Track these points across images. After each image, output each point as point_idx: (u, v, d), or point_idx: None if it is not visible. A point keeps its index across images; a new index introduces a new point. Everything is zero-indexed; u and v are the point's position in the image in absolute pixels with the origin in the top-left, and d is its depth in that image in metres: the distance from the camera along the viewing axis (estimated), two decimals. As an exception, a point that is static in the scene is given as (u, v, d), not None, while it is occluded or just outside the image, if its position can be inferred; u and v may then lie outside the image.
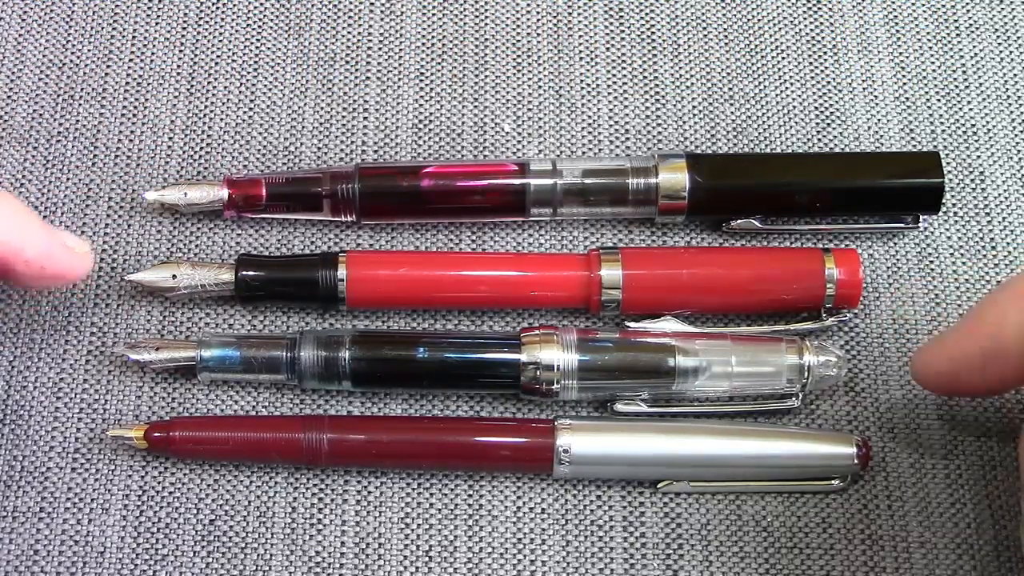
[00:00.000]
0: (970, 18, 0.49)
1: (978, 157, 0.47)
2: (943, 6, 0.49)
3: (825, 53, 0.49)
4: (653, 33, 0.49)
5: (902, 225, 0.45)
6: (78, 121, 0.47)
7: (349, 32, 0.49)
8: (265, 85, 0.48)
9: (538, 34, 0.49)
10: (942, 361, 0.38)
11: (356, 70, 0.48)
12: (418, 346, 0.42)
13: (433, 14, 0.49)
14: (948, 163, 0.46)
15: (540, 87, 0.48)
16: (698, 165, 0.44)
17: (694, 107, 0.48)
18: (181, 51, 0.48)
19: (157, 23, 0.48)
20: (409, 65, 0.48)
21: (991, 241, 0.46)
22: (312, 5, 0.49)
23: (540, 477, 0.42)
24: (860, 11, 0.49)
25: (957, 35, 0.49)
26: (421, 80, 0.48)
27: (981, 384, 0.37)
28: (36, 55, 0.48)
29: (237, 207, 0.44)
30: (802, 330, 0.43)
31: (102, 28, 0.48)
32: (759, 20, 0.49)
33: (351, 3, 0.49)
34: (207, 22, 0.48)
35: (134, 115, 0.47)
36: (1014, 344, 0.35)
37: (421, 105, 0.47)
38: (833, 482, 0.42)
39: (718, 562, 0.41)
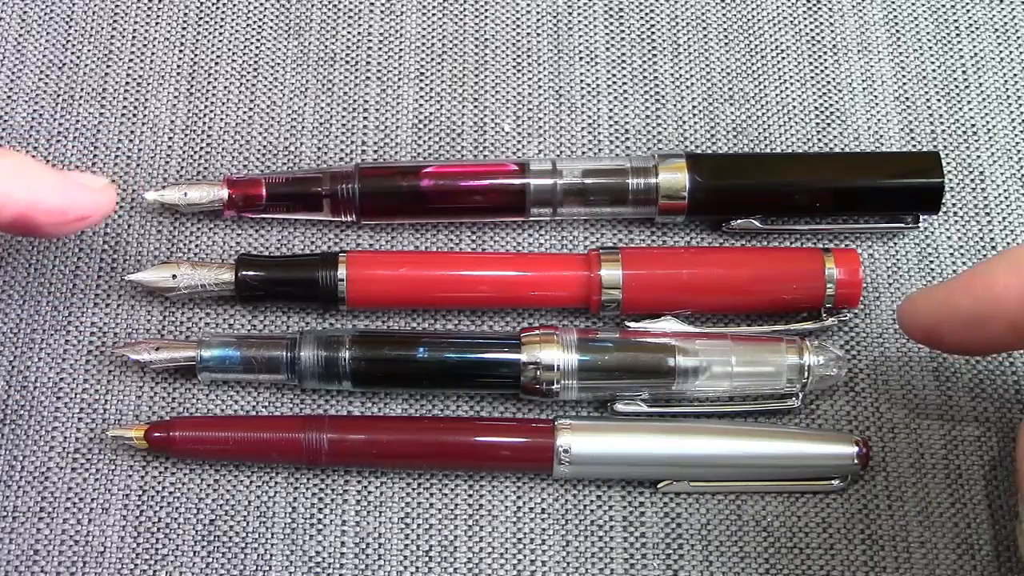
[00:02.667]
0: (970, 18, 0.49)
1: (978, 157, 0.47)
2: (943, 6, 0.49)
3: (825, 53, 0.49)
4: (653, 33, 0.49)
5: (902, 225, 0.45)
6: (78, 121, 0.47)
7: (349, 32, 0.49)
8: (265, 85, 0.47)
9: (538, 34, 0.49)
10: (930, 311, 0.37)
11: (356, 70, 0.48)
12: (418, 346, 0.42)
13: (433, 14, 0.49)
14: (948, 163, 0.46)
15: (540, 87, 0.48)
16: (698, 165, 0.44)
17: (694, 107, 0.48)
18: (181, 51, 0.48)
19: (157, 23, 0.48)
20: (409, 65, 0.48)
21: (991, 241, 0.46)
22: (312, 5, 0.49)
23: (540, 477, 0.42)
24: (860, 11, 0.49)
25: (957, 35, 0.49)
26: (421, 80, 0.48)
27: (963, 342, 0.37)
28: (36, 55, 0.48)
29: (237, 207, 0.44)
30: (802, 330, 0.43)
31: (102, 28, 0.48)
32: (759, 20, 0.49)
33: (351, 3, 0.49)
34: (207, 22, 0.48)
35: (134, 115, 0.47)
36: (1003, 309, 0.35)
37: (421, 105, 0.47)
38: (833, 482, 0.42)
39: (718, 562, 0.41)
